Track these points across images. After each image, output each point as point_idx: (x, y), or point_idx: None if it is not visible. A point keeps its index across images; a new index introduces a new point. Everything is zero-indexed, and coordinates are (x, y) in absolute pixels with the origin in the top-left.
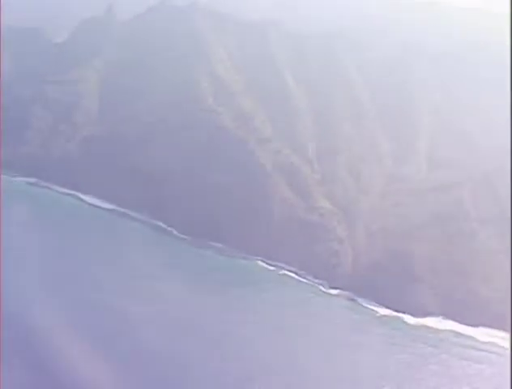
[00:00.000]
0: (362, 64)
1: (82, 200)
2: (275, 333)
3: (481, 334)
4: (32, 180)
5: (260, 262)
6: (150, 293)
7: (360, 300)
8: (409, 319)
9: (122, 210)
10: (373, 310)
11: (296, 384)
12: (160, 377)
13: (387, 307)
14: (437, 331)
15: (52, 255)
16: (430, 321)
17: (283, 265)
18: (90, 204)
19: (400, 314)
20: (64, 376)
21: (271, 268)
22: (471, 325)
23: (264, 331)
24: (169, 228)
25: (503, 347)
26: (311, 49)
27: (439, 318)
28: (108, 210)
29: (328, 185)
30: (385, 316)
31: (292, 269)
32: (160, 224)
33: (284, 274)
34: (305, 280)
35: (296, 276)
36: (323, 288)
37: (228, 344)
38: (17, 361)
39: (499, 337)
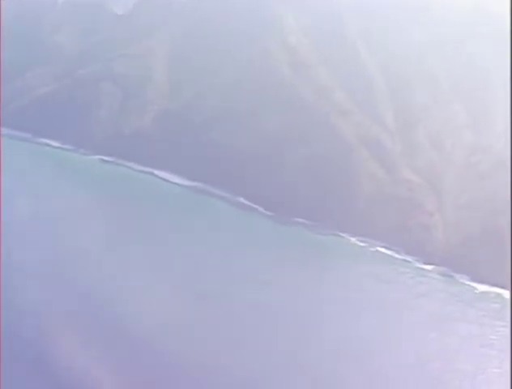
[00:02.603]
0: (433, 35)
1: (158, 177)
2: (382, 310)
3: None
4: (106, 157)
5: (350, 239)
6: (254, 277)
7: (456, 276)
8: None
9: (201, 186)
10: (471, 286)
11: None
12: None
13: (485, 283)
14: None
15: (145, 238)
16: None
17: (371, 241)
18: (167, 181)
19: (499, 290)
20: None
21: (362, 244)
22: None
23: (370, 309)
24: (254, 205)
25: None
26: (382, 19)
27: None
28: (186, 187)
29: (411, 157)
30: (484, 292)
31: (383, 245)
32: (242, 200)
33: (377, 250)
34: (397, 256)
35: (389, 252)
36: (417, 264)
37: (341, 320)
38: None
39: None
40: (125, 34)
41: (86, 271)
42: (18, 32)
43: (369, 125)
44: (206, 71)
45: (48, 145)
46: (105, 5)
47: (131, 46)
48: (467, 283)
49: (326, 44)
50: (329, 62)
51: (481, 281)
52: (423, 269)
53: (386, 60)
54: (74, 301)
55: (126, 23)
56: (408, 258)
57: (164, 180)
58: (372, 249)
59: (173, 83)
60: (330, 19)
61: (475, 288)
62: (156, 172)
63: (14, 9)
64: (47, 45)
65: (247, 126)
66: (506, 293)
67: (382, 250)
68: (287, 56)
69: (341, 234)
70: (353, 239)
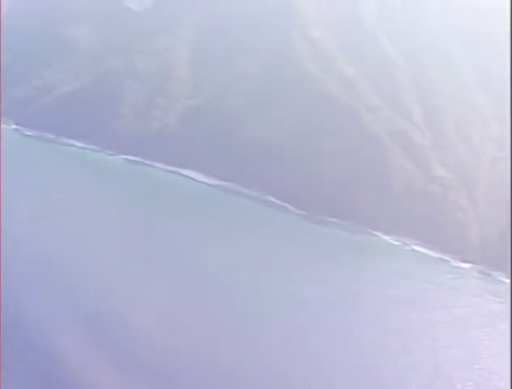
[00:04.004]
0: (457, 25)
1: (186, 177)
2: (424, 308)
3: None
4: (132, 157)
5: (384, 237)
6: (289, 276)
7: (493, 273)
8: None
9: (229, 185)
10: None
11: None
12: None
13: None
14: None
15: (178, 239)
16: None
17: (406, 239)
18: (195, 180)
19: None
20: None
21: (396, 243)
22: None
23: (411, 306)
24: (283, 204)
25: None
26: (404, 9)
27: None
28: (214, 186)
29: (440, 152)
30: None
31: (417, 243)
32: (271, 198)
33: (412, 249)
34: (433, 254)
35: (424, 250)
36: (454, 262)
37: (383, 317)
38: None
39: None
40: (146, 29)
41: (127, 270)
42: (35, 29)
43: (398, 120)
44: (229, 66)
45: (72, 145)
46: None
47: (152, 41)
48: (506, 280)
49: (348, 37)
50: (352, 56)
51: None
52: (460, 267)
53: (409, 52)
54: (122, 300)
55: (145, 18)
56: (445, 257)
57: (192, 179)
58: (407, 247)
59: (197, 78)
60: (350, 12)
61: None
62: (184, 171)
63: (31, 4)
64: (65, 41)
65: (274, 122)
66: None
67: (418, 248)
68: (310, 49)
69: (374, 233)
70: (387, 238)
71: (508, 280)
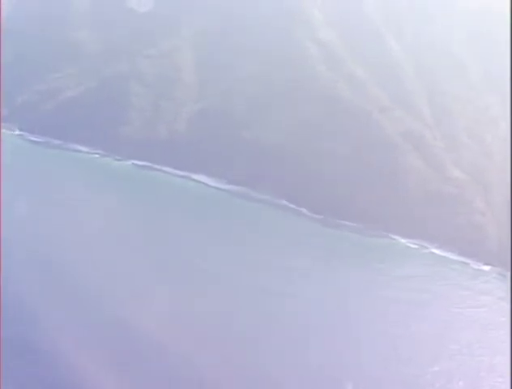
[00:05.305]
0: (464, 24)
1: (196, 181)
2: (448, 311)
3: None
4: (140, 162)
5: (401, 240)
6: (308, 279)
7: None
8: None
9: (241, 189)
10: None
11: None
12: None
13: None
14: None
15: (191, 245)
16: None
17: (423, 242)
18: (206, 185)
19: None
20: None
21: (414, 246)
22: None
23: (436, 309)
24: (298, 208)
25: None
26: (410, 9)
27: None
28: (225, 190)
29: (453, 152)
30: None
31: (435, 245)
32: (286, 203)
33: (430, 252)
34: (452, 257)
35: (443, 253)
36: (474, 265)
37: (409, 321)
38: None
39: None
40: (150, 31)
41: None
42: (38, 32)
43: (410, 121)
44: (236, 68)
45: (78, 151)
46: (126, 2)
47: (157, 44)
48: None
49: (355, 38)
50: (360, 57)
51: None
52: (481, 270)
53: (416, 52)
54: (141, 302)
55: (148, 20)
56: (464, 259)
57: (203, 184)
58: (425, 250)
59: (204, 81)
60: (357, 12)
61: None
62: (194, 176)
63: (32, 7)
64: (69, 45)
65: (285, 124)
66: None
67: (436, 251)
68: (318, 50)
69: (391, 236)
70: (404, 241)
71: None
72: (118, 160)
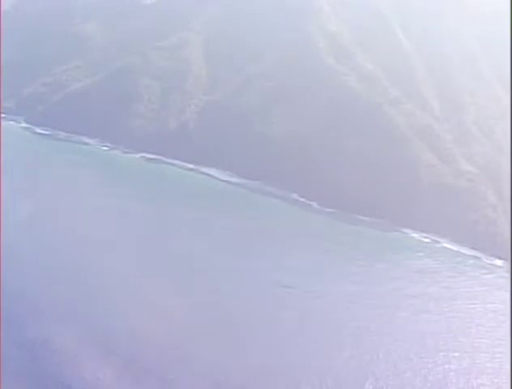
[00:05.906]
0: (472, 18)
1: (206, 175)
2: (463, 304)
3: None
4: (149, 155)
5: (414, 235)
6: (321, 275)
7: None
8: None
9: (252, 183)
10: None
11: None
12: None
13: None
14: None
15: (203, 240)
16: None
17: (435, 236)
18: (216, 178)
19: None
20: None
21: (426, 240)
22: None
23: (451, 303)
24: (308, 202)
25: None
26: (419, 3)
27: None
28: (236, 184)
29: (464, 146)
30: None
31: (448, 240)
32: (296, 196)
33: (443, 246)
34: (464, 251)
35: (455, 248)
36: (486, 259)
37: (425, 315)
38: None
39: None
40: (160, 24)
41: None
42: (46, 25)
43: (420, 114)
44: (246, 61)
45: (86, 143)
46: None
47: (167, 37)
48: None
49: (365, 31)
50: (370, 50)
51: None
52: (493, 264)
53: (425, 46)
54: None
55: (155, 12)
56: (477, 254)
57: (213, 177)
58: (437, 245)
59: (214, 73)
60: (368, 6)
61: None
62: (204, 169)
63: (43, 1)
64: (78, 37)
65: (296, 118)
66: None
67: (448, 245)
68: (328, 43)
69: (403, 230)
70: (416, 235)
71: None
72: (127, 152)
